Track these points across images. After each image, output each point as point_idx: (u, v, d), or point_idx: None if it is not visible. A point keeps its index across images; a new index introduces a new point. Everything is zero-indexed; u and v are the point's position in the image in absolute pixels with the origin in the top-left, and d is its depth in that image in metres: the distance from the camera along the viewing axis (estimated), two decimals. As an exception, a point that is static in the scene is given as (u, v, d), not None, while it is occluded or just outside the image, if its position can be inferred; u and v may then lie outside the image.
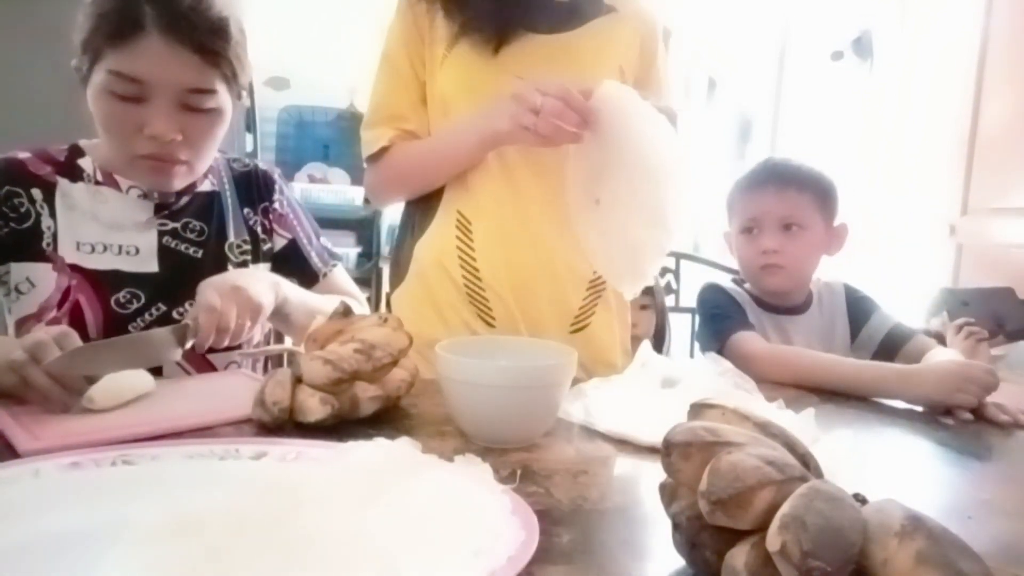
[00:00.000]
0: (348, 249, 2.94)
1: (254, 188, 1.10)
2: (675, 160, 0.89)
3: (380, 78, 1.11)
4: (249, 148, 2.52)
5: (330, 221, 2.32)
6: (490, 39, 1.01)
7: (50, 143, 1.00)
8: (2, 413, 0.69)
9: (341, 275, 1.18)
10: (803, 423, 0.86)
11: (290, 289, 0.99)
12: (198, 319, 0.83)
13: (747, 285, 1.36)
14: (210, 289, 0.86)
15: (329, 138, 3.26)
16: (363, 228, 3.10)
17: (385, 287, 1.26)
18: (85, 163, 0.98)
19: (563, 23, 1.06)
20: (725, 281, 1.36)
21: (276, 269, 1.09)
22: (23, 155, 0.96)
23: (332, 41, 3.05)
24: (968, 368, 0.98)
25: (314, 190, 2.96)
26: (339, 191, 3.06)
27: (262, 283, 0.93)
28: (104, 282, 0.94)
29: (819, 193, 1.29)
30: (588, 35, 1.07)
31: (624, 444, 0.75)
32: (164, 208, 1.00)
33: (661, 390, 1.04)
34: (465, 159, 1.05)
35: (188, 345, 0.83)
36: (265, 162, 1.17)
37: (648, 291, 1.66)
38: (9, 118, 1.64)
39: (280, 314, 0.97)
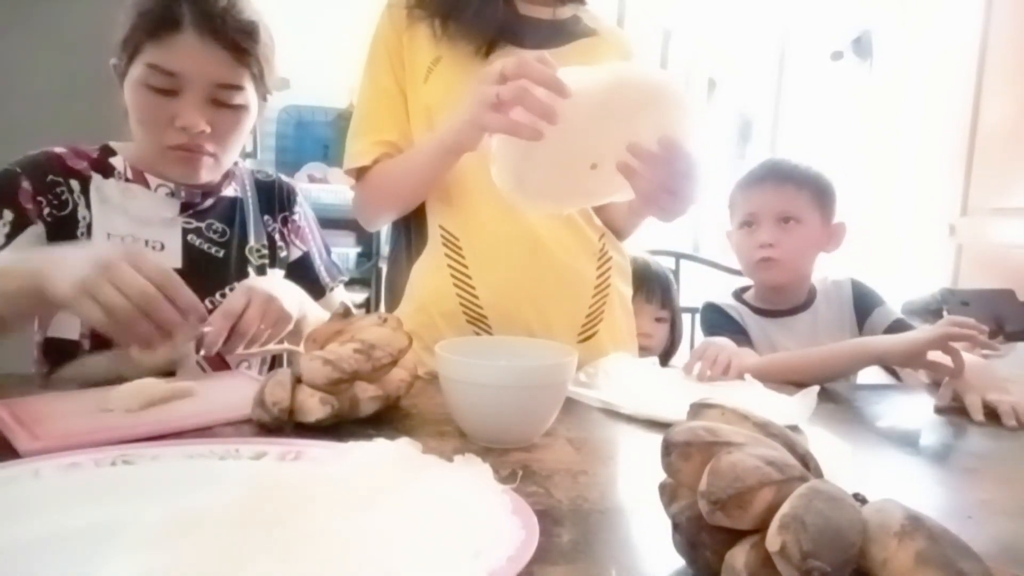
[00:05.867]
0: (348, 249, 2.93)
1: (275, 198, 1.15)
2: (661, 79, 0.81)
3: (365, 85, 1.11)
4: (249, 148, 2.52)
5: (330, 221, 2.30)
6: (478, 49, 1.02)
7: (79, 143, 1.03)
8: (2, 413, 0.69)
9: (342, 294, 1.22)
10: (802, 401, 0.87)
11: (310, 307, 1.02)
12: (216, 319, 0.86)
13: (746, 296, 1.38)
14: (241, 294, 0.89)
15: (329, 138, 3.25)
16: (363, 228, 3.08)
17: (384, 288, 1.27)
18: (116, 161, 1.02)
19: (548, 40, 1.06)
20: (725, 297, 1.39)
21: (288, 278, 1.11)
22: (59, 150, 1.00)
23: (332, 41, 3.04)
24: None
25: (314, 190, 2.94)
26: (339, 191, 3.05)
27: (293, 297, 0.96)
28: None
29: (816, 190, 1.32)
30: (573, 52, 1.07)
31: (624, 441, 0.75)
32: (189, 207, 1.04)
33: (673, 375, 1.07)
34: (439, 164, 0.99)
35: (203, 353, 0.87)
36: (276, 171, 1.22)
37: (667, 304, 1.67)
38: (11, 120, 1.65)
39: (296, 330, 0.98)
